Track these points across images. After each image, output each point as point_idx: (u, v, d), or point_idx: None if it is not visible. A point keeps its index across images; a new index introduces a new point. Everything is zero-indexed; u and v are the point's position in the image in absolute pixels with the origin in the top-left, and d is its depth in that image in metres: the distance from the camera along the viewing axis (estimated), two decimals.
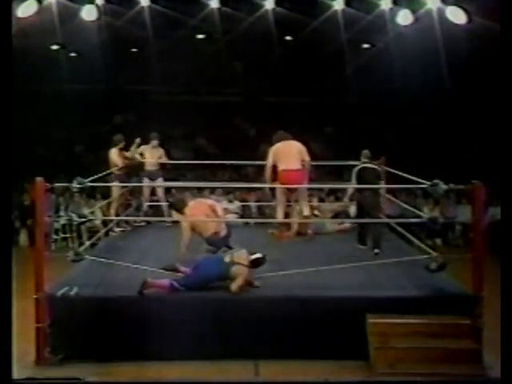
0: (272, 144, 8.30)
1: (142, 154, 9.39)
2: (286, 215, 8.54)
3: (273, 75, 16.40)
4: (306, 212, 8.25)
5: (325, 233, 8.82)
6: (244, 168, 14.91)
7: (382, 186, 8.16)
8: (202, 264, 6.13)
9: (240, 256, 6.05)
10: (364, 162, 7.91)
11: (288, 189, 8.10)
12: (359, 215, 7.89)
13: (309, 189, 9.15)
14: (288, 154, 8.10)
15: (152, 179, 9.45)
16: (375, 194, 7.84)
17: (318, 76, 16.23)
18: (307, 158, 8.18)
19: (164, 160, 9.56)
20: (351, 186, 7.93)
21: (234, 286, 5.95)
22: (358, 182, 7.74)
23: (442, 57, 12.91)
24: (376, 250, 7.39)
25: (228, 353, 5.79)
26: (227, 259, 6.05)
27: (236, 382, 5.43)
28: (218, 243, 7.00)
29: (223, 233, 7.06)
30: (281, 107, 16.64)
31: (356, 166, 7.93)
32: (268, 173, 8.20)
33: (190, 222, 6.92)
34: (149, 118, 15.50)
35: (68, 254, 6.46)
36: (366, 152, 8.02)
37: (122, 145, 9.20)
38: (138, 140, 9.33)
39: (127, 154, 9.21)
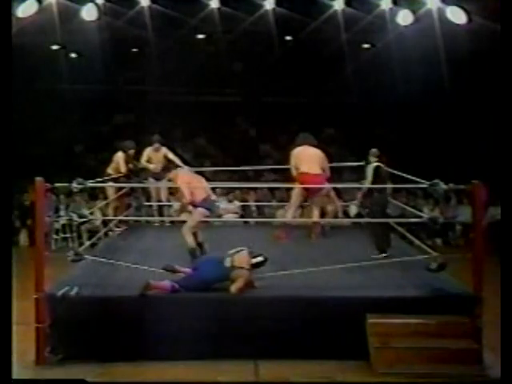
0: (294, 146, 8.36)
1: (150, 158, 9.44)
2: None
3: (273, 75, 16.39)
4: (316, 217, 8.20)
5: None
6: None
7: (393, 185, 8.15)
8: (202, 266, 6.10)
9: (241, 259, 6.03)
10: (376, 161, 7.74)
11: (306, 191, 8.05)
12: (373, 215, 7.63)
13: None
14: (309, 158, 8.18)
15: (157, 179, 9.50)
16: (387, 194, 7.82)
17: (318, 76, 16.23)
18: (327, 166, 8.28)
19: (172, 157, 9.53)
20: (353, 185, 7.86)
21: (234, 288, 5.94)
22: (375, 181, 7.60)
23: (442, 57, 12.91)
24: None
25: (228, 353, 5.79)
26: (228, 263, 6.01)
27: (236, 382, 5.44)
28: (212, 206, 7.12)
29: (213, 197, 7.25)
30: (281, 107, 16.65)
31: (367, 163, 7.79)
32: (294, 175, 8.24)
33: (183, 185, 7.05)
34: (149, 118, 15.50)
35: (68, 253, 6.46)
36: (374, 151, 7.88)
37: (131, 152, 9.23)
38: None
39: (138, 163, 9.29)
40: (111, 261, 6.75)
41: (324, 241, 8.33)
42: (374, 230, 7.53)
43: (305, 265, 6.54)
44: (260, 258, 6.12)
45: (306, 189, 8.04)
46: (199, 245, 7.12)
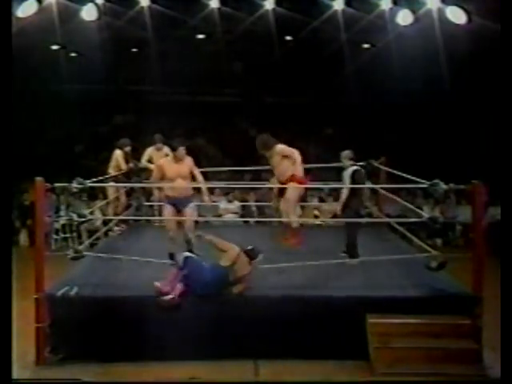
0: (268, 148, 8.00)
1: (151, 158, 9.42)
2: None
3: (273, 75, 16.39)
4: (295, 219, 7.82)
5: None
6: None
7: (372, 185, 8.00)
8: (206, 277, 5.97)
9: (242, 267, 6.02)
10: (351, 164, 7.34)
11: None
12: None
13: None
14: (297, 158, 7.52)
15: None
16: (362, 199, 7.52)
17: (318, 76, 16.23)
18: None
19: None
20: (340, 185, 7.57)
21: (235, 290, 5.99)
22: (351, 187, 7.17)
23: (441, 57, 12.90)
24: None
25: (228, 353, 5.79)
26: (232, 277, 5.99)
27: (236, 382, 5.44)
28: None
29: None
30: (281, 107, 16.63)
31: (344, 168, 7.38)
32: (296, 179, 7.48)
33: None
34: (148, 118, 15.48)
35: (68, 251, 6.47)
36: (348, 153, 7.43)
37: (127, 149, 9.26)
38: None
39: (139, 163, 9.29)
40: (112, 257, 6.79)
41: (323, 241, 8.32)
42: (349, 233, 7.26)
43: (304, 264, 6.55)
44: (260, 258, 6.15)
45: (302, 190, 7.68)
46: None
